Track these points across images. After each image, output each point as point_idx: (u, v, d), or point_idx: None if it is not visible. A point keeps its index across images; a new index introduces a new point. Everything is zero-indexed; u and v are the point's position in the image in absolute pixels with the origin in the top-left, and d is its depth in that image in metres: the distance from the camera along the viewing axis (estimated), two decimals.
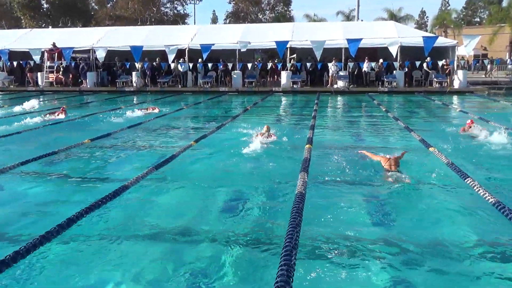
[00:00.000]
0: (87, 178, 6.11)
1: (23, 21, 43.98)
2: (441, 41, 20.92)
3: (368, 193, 5.25)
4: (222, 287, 3.25)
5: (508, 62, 36.36)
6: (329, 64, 20.76)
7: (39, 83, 22.78)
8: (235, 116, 12.24)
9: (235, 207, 4.87)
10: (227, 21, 52.02)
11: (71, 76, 22.73)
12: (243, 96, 19.90)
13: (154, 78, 22.10)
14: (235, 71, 21.48)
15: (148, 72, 21.90)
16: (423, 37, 19.78)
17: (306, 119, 11.78)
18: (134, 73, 22.01)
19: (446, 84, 20.00)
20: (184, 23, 48.93)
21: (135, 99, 18.40)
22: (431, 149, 6.98)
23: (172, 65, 21.68)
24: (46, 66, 22.65)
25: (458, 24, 45.64)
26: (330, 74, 20.92)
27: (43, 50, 22.50)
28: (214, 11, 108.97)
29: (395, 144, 7.73)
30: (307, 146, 7.19)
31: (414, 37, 20.42)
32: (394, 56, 20.14)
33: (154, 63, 22.24)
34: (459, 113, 12.68)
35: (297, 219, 3.52)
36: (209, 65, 21.83)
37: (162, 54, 21.97)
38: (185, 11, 53.19)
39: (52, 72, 22.86)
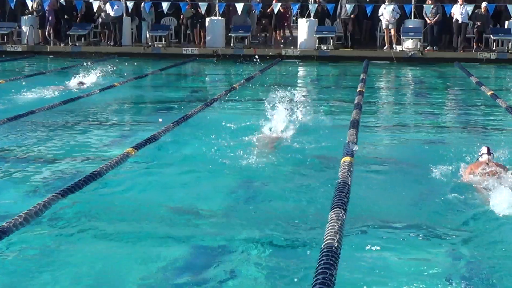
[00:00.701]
0: None
1: None
2: None
3: (452, 246, 5.29)
4: None
5: None
6: (385, 8, 20.87)
7: None
8: (211, 101, 12.28)
9: (208, 271, 4.88)
10: None
11: None
12: (226, 63, 19.94)
13: (61, 28, 22.20)
14: (213, 18, 21.60)
15: (49, 18, 21.96)
16: None
17: (344, 109, 11.81)
18: (24, 19, 22.07)
19: None
20: None
21: (26, 66, 18.39)
22: None
23: (95, 5, 21.74)
24: None
25: None
26: (384, 27, 21.08)
27: None
28: None
29: (505, 155, 7.82)
30: (346, 159, 7.23)
31: None
32: None
33: (62, 1, 22.29)
34: None
35: None
36: (164, 5, 21.91)
37: None
38: None
39: None
